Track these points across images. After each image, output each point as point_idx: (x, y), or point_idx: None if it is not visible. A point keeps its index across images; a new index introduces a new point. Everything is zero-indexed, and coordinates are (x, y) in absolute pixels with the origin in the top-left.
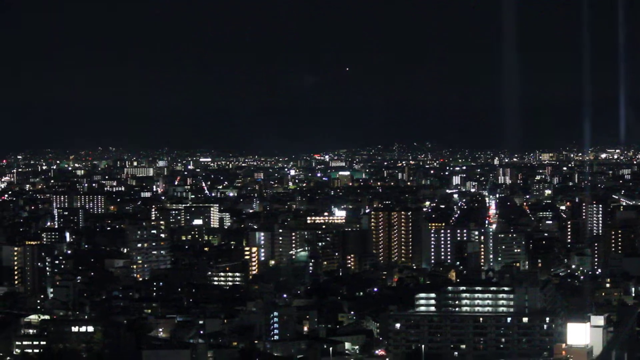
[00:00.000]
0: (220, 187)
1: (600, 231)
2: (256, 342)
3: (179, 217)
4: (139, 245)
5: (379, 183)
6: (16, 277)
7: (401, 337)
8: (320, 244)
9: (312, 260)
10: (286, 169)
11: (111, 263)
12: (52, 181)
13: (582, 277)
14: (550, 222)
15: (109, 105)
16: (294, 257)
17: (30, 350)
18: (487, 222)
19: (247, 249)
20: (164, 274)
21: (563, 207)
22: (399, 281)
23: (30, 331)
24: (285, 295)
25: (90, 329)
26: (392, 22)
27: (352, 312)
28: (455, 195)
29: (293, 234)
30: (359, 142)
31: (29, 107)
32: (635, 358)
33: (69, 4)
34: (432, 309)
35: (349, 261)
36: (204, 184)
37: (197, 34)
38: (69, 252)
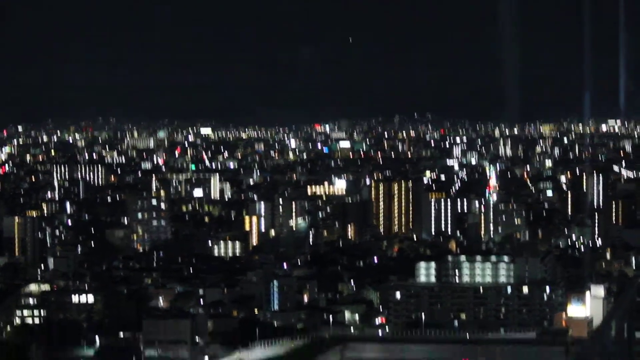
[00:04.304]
0: (221, 158)
1: (601, 202)
2: (256, 311)
3: (179, 188)
4: (140, 215)
5: (379, 154)
6: (17, 248)
7: (401, 307)
8: (320, 214)
9: (312, 231)
10: (286, 140)
11: (112, 234)
12: (52, 152)
13: (582, 249)
14: (551, 193)
15: (110, 76)
16: (294, 227)
17: (30, 320)
18: (487, 193)
19: (247, 219)
20: (165, 245)
21: (563, 179)
22: (399, 251)
23: (31, 301)
24: (285, 266)
25: (91, 299)
26: None
27: (352, 282)
28: (456, 166)
29: (293, 204)
30: (359, 113)
31: (29, 78)
32: (635, 328)
33: None
34: (433, 279)
35: (349, 231)
36: (204, 155)
37: (197, 4)
38: (70, 222)
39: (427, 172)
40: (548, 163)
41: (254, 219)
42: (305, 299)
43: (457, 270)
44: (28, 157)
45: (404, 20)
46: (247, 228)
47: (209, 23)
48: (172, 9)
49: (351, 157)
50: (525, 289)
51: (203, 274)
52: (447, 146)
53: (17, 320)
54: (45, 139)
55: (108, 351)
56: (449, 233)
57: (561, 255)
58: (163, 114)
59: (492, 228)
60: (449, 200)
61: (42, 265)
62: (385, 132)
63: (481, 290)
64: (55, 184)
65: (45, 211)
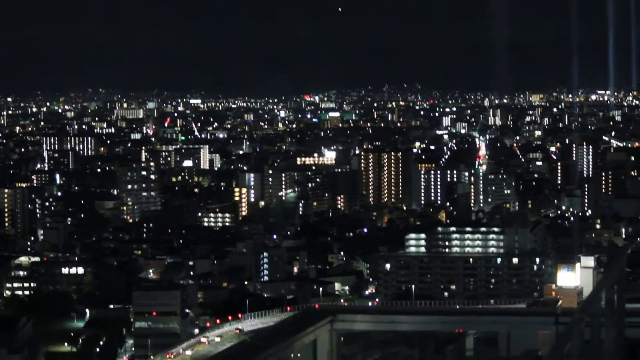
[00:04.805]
0: (210, 128)
1: (591, 172)
2: (246, 282)
3: (169, 159)
4: (129, 186)
5: (368, 124)
6: (6, 219)
7: (391, 277)
8: (310, 185)
9: (302, 201)
10: (276, 111)
11: (101, 205)
12: (42, 123)
13: (572, 219)
14: (541, 163)
15: (100, 46)
16: (283, 198)
17: (20, 292)
18: (477, 163)
19: (237, 190)
20: (154, 216)
21: (553, 149)
22: (389, 222)
23: (21, 273)
24: (275, 236)
25: (81, 270)
26: None
27: (342, 253)
28: (445, 137)
29: (283, 175)
30: (349, 84)
31: (19, 49)
32: (626, 299)
33: None
34: (422, 249)
35: (339, 202)
36: (193, 126)
37: None
38: (59, 194)
39: (417, 143)
40: (537, 133)
41: (244, 189)
42: (295, 270)
43: (447, 241)
44: (17, 128)
45: None
46: (237, 199)
47: None
48: None
49: (341, 127)
50: (515, 260)
51: (193, 245)
52: (437, 116)
53: (7, 292)
54: (34, 110)
55: (98, 322)
56: (439, 203)
57: (551, 225)
58: (152, 85)
59: (481, 198)
60: (438, 170)
61: (31, 236)
62: (375, 102)
63: (471, 261)
64: (45, 155)
65: (35, 182)
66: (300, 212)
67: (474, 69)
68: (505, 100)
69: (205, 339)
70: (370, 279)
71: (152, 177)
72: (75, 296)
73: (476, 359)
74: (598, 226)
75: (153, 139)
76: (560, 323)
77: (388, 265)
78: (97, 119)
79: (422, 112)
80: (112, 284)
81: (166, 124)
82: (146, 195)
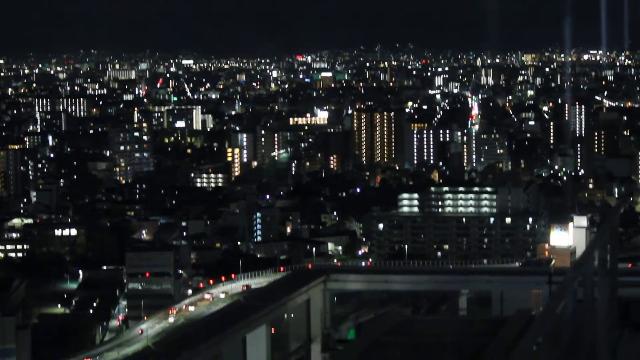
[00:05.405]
0: (203, 89)
1: (583, 132)
2: (239, 243)
3: (161, 120)
4: (122, 148)
5: (361, 84)
6: None
7: (384, 237)
8: (302, 145)
9: (295, 162)
10: (268, 71)
11: (94, 166)
12: (34, 85)
13: (565, 178)
14: (533, 123)
15: (91, 7)
16: (276, 158)
17: (13, 254)
18: (469, 123)
19: (229, 150)
20: (147, 177)
21: (546, 108)
22: (382, 182)
23: (14, 235)
24: (268, 197)
25: (74, 232)
26: None
27: (334, 213)
28: (438, 96)
29: (275, 135)
30: (341, 44)
31: (9, 10)
32: (618, 258)
33: None
34: (415, 209)
35: (332, 162)
36: (186, 86)
37: None
38: (52, 155)
39: (409, 102)
40: (530, 93)
41: (236, 150)
42: (288, 230)
43: (439, 201)
44: (10, 90)
45: None
46: (229, 159)
47: None
48: None
49: (333, 87)
50: (508, 220)
51: (186, 205)
52: (429, 75)
53: (0, 255)
54: (26, 71)
55: (91, 284)
56: (432, 163)
57: (544, 185)
58: (144, 45)
59: (474, 158)
60: (431, 130)
61: (24, 198)
62: (367, 62)
63: (464, 221)
64: (37, 116)
65: (27, 144)
66: (293, 172)
67: (467, 28)
68: (497, 60)
69: (209, 295)
70: (363, 239)
71: (145, 138)
72: (68, 258)
73: None
74: (591, 186)
75: (145, 100)
76: (553, 282)
77: (381, 225)
78: (89, 80)
79: (414, 72)
80: (105, 245)
81: (158, 85)
82: (139, 156)
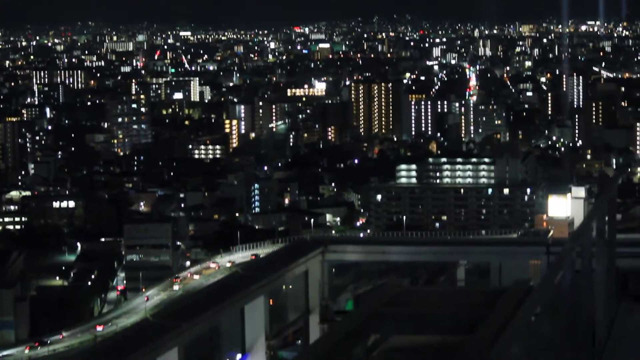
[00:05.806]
0: (200, 60)
1: (581, 103)
2: (237, 214)
3: (159, 91)
4: (120, 119)
5: (358, 55)
6: None
7: (382, 209)
8: (300, 116)
9: (293, 133)
10: (266, 42)
11: (92, 138)
12: (31, 57)
13: (562, 149)
14: (531, 94)
15: None
16: (274, 129)
17: (11, 227)
18: (467, 94)
19: (227, 122)
20: (145, 148)
21: (543, 79)
22: (380, 153)
23: (12, 207)
24: (265, 168)
25: (72, 204)
26: None
27: (332, 184)
28: (436, 67)
29: (273, 106)
30: (338, 15)
31: None
32: (616, 229)
33: None
34: (413, 180)
35: (329, 133)
36: (183, 58)
37: None
38: (50, 127)
39: (407, 73)
40: (528, 63)
41: (234, 121)
42: (286, 201)
43: (437, 172)
44: (7, 62)
45: None
46: (227, 131)
47: None
48: None
49: (331, 58)
50: (506, 190)
51: (184, 177)
52: (427, 46)
53: None
54: (24, 44)
55: (89, 256)
56: (429, 134)
57: (542, 156)
58: (142, 17)
59: (472, 129)
60: (429, 101)
61: (22, 171)
62: (365, 33)
63: (462, 192)
64: (35, 89)
65: (25, 116)
66: (291, 144)
67: None
68: (495, 31)
69: (215, 264)
70: (362, 210)
71: (143, 109)
72: (67, 230)
73: None
74: (589, 157)
75: (143, 72)
76: (551, 253)
77: (379, 196)
78: (86, 52)
79: (412, 43)
80: (103, 217)
81: (156, 57)
82: (136, 128)
